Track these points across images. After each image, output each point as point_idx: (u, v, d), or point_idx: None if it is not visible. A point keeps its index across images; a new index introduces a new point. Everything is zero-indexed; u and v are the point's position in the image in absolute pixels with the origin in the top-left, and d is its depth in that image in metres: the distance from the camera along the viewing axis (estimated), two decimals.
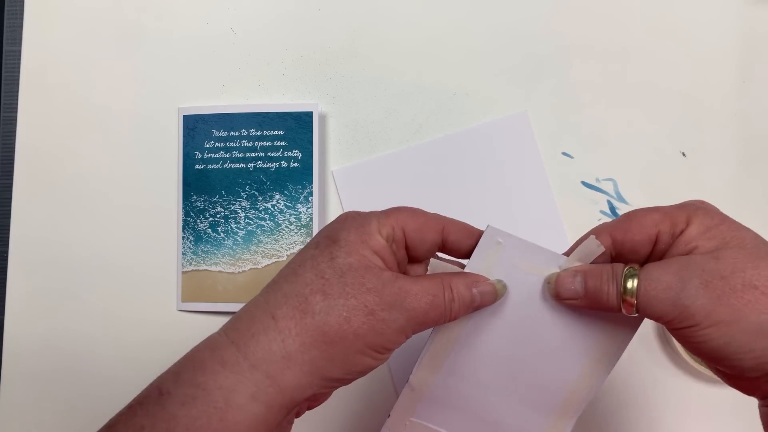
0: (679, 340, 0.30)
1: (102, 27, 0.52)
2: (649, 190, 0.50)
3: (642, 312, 0.29)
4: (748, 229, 0.29)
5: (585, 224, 0.49)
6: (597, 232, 0.32)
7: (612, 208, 0.50)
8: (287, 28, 0.52)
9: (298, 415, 0.31)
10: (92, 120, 0.52)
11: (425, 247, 0.32)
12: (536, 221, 0.50)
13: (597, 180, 0.50)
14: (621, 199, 0.50)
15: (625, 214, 0.32)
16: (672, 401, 0.49)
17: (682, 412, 0.45)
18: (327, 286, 0.29)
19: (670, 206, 0.32)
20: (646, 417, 0.49)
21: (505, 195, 0.50)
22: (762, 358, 0.27)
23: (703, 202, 0.32)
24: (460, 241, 0.32)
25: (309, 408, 0.32)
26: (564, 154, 0.50)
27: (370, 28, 0.51)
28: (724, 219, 0.30)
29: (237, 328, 0.29)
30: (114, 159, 0.51)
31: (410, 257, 0.33)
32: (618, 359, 0.32)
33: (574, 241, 0.33)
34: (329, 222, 0.31)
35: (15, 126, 0.52)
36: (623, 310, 0.30)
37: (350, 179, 0.50)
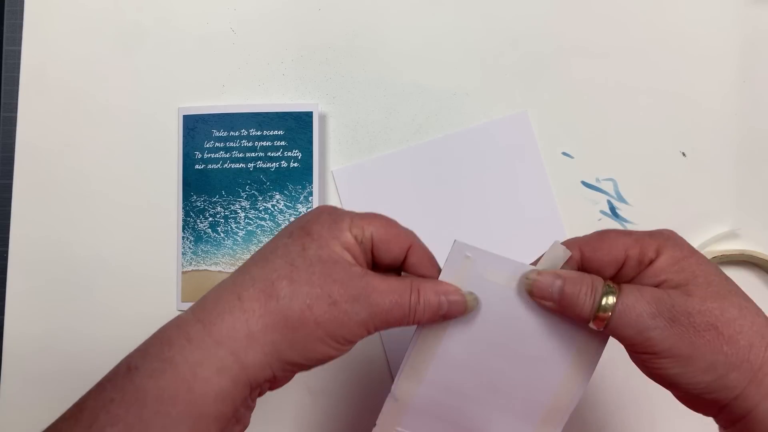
0: (633, 360, 0.32)
1: (102, 27, 0.52)
2: (649, 190, 0.50)
3: (609, 330, 0.30)
4: (713, 264, 0.31)
5: (585, 224, 0.49)
6: (567, 243, 0.33)
7: (612, 208, 0.50)
8: (287, 28, 0.52)
9: (260, 394, 0.31)
10: (92, 120, 0.52)
11: (388, 259, 0.32)
12: (536, 221, 0.50)
13: (597, 180, 0.50)
14: (621, 199, 0.50)
15: (596, 232, 0.33)
16: (672, 401, 0.49)
17: (683, 411, 0.45)
18: (295, 273, 0.29)
19: (641, 232, 0.33)
20: (646, 417, 0.49)
21: (505, 195, 0.50)
22: (704, 390, 0.29)
23: (672, 233, 0.33)
24: (418, 266, 0.33)
25: (270, 389, 0.32)
26: (564, 154, 0.50)
27: (370, 28, 0.52)
28: (693, 252, 0.31)
29: (204, 307, 0.30)
30: (114, 159, 0.51)
31: (375, 264, 0.33)
32: (594, 368, 0.33)
33: (542, 253, 0.33)
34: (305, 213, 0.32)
35: (15, 126, 0.52)
36: (592, 324, 0.31)
37: (350, 179, 0.50)
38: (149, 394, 0.28)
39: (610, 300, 0.30)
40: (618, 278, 0.32)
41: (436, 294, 0.32)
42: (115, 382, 0.29)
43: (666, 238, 0.32)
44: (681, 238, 0.32)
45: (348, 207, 0.50)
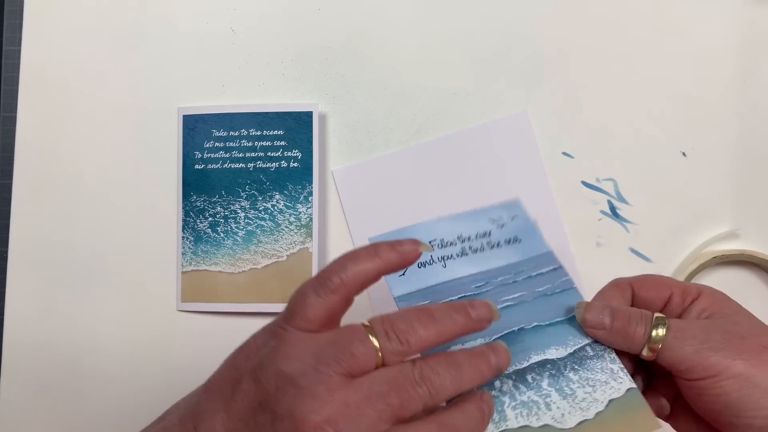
0: (692, 394, 0.31)
1: (102, 27, 0.52)
2: (649, 190, 0.50)
3: (663, 357, 0.31)
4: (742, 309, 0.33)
5: (585, 224, 0.49)
6: (618, 282, 0.35)
7: (612, 208, 0.50)
8: (287, 28, 0.52)
9: None
10: (92, 120, 0.52)
11: None
12: (536, 221, 0.50)
13: (597, 180, 0.50)
14: (621, 199, 0.50)
15: (643, 274, 0.35)
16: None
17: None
18: None
19: (680, 281, 0.35)
20: None
21: (505, 195, 0.50)
22: (742, 413, 0.29)
23: (714, 288, 0.34)
24: None
25: None
26: (564, 154, 0.50)
27: (370, 28, 0.52)
28: (726, 296, 0.33)
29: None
30: (114, 159, 0.52)
31: None
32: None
33: (600, 289, 0.36)
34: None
35: (15, 126, 0.52)
36: (644, 352, 0.31)
37: (350, 179, 0.50)
38: None
39: (661, 332, 0.31)
40: (662, 312, 0.34)
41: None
42: None
43: (705, 286, 0.34)
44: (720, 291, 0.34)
45: (348, 207, 0.50)
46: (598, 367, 0.34)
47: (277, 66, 0.51)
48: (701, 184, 0.50)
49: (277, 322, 0.29)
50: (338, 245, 0.50)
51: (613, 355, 0.34)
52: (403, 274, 0.37)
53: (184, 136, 0.51)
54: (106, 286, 0.51)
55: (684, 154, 0.50)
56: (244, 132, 0.50)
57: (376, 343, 0.27)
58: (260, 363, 0.28)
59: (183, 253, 0.50)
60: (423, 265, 0.38)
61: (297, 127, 0.50)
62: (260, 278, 0.49)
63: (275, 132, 0.50)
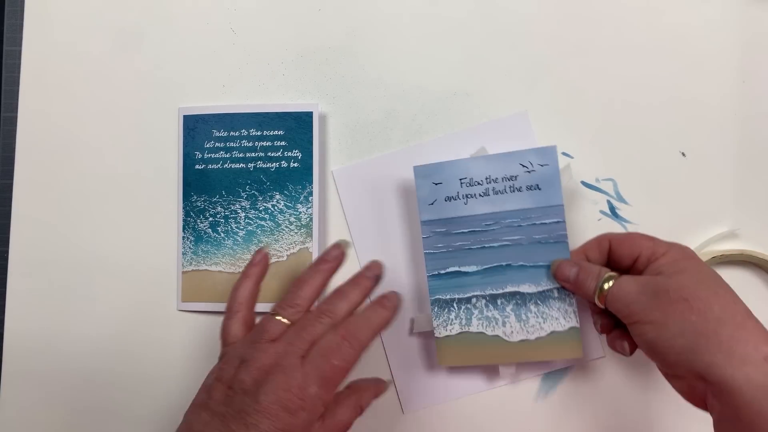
0: (633, 335, 0.39)
1: (102, 27, 0.52)
2: (648, 190, 0.50)
3: (608, 306, 0.40)
4: (711, 270, 0.38)
5: (585, 224, 0.50)
6: (600, 237, 0.44)
7: (612, 208, 0.50)
8: (287, 28, 0.52)
9: None
10: (92, 120, 0.52)
11: None
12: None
13: (597, 180, 0.50)
14: (621, 199, 0.50)
15: (628, 232, 0.43)
16: (674, 401, 0.49)
17: (684, 412, 0.45)
18: None
19: (662, 240, 0.41)
20: (646, 417, 0.49)
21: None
22: (681, 355, 0.35)
23: (688, 248, 0.40)
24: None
25: None
26: (564, 154, 0.50)
27: (370, 28, 0.52)
28: (693, 257, 0.39)
29: None
30: (114, 159, 0.52)
31: None
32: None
33: (586, 242, 0.44)
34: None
35: (15, 126, 0.52)
36: (596, 301, 0.41)
37: (350, 179, 0.50)
38: None
39: (606, 286, 0.40)
40: (633, 270, 0.41)
41: (373, 397, 0.41)
42: None
43: (678, 246, 0.40)
44: (694, 252, 0.40)
45: (348, 207, 0.50)
46: (556, 306, 0.45)
47: (277, 66, 0.51)
48: (701, 184, 0.50)
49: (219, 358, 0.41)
50: None
51: (573, 301, 0.44)
52: (432, 204, 0.46)
53: (184, 136, 0.51)
54: (107, 286, 0.51)
55: (683, 154, 0.50)
56: (244, 132, 0.50)
57: (279, 317, 0.39)
58: (220, 372, 0.38)
59: (183, 253, 0.50)
60: (449, 199, 0.46)
61: (297, 127, 0.50)
62: None
63: (275, 132, 0.50)
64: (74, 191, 0.52)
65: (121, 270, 0.51)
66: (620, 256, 0.42)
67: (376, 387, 0.42)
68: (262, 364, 0.37)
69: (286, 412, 0.35)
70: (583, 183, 0.50)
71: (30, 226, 0.51)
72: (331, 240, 0.50)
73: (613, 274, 0.40)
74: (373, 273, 0.42)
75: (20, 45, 0.52)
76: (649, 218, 0.50)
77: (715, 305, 0.35)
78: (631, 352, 0.41)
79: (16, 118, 0.52)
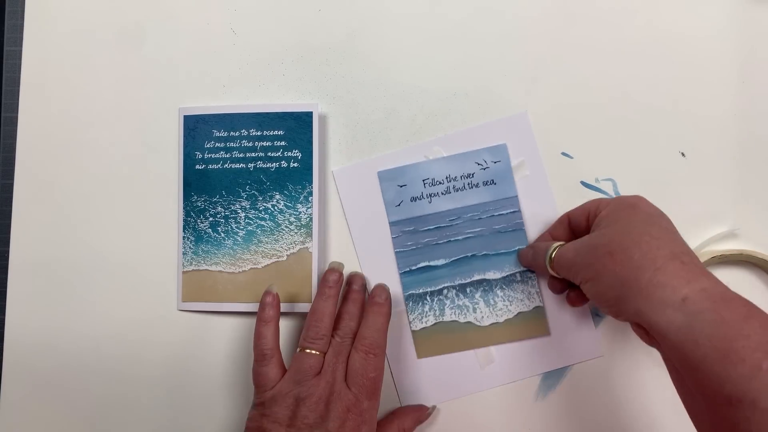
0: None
1: (102, 27, 0.52)
2: (648, 190, 0.49)
3: (557, 273, 0.43)
4: (645, 216, 0.39)
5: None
6: (561, 217, 0.47)
7: None
8: (287, 28, 0.52)
9: None
10: (92, 120, 0.52)
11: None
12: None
13: (596, 180, 0.50)
14: None
15: (583, 203, 0.45)
16: (674, 401, 0.49)
17: (684, 411, 0.45)
18: None
19: (611, 198, 0.46)
20: (646, 417, 0.49)
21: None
22: (615, 306, 0.37)
23: (636, 197, 0.41)
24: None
25: None
26: (564, 154, 0.51)
27: (370, 29, 0.52)
28: (631, 207, 0.40)
29: None
30: (114, 159, 0.52)
31: None
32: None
33: (557, 219, 0.48)
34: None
35: (16, 126, 0.52)
36: (551, 272, 0.44)
37: (350, 179, 0.51)
38: None
39: (554, 253, 0.43)
40: (588, 229, 0.43)
41: (414, 423, 0.48)
42: None
43: (619, 199, 0.42)
44: (637, 200, 0.41)
45: (348, 207, 0.50)
46: (521, 289, 0.49)
47: (277, 66, 0.52)
48: (700, 184, 0.50)
49: (255, 400, 0.44)
50: (338, 245, 0.50)
51: (535, 282, 0.49)
52: (399, 205, 0.50)
53: (185, 136, 0.51)
54: (107, 286, 0.51)
55: (683, 154, 0.50)
56: (244, 132, 0.50)
57: (311, 350, 0.44)
58: (274, 415, 0.42)
59: (184, 253, 0.51)
60: (414, 199, 0.50)
61: (297, 127, 0.50)
62: (261, 278, 0.49)
63: (275, 132, 0.50)
64: (74, 191, 0.52)
65: (122, 270, 0.51)
66: (577, 225, 0.45)
67: (420, 413, 0.48)
68: (318, 397, 0.42)
69: (352, 429, 0.41)
70: (583, 183, 0.50)
71: (30, 226, 0.52)
72: (332, 240, 0.50)
73: (558, 244, 0.43)
74: (359, 285, 0.48)
75: (21, 45, 0.52)
76: None
77: (636, 253, 0.36)
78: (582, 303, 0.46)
79: (16, 118, 0.52)
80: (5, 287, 0.51)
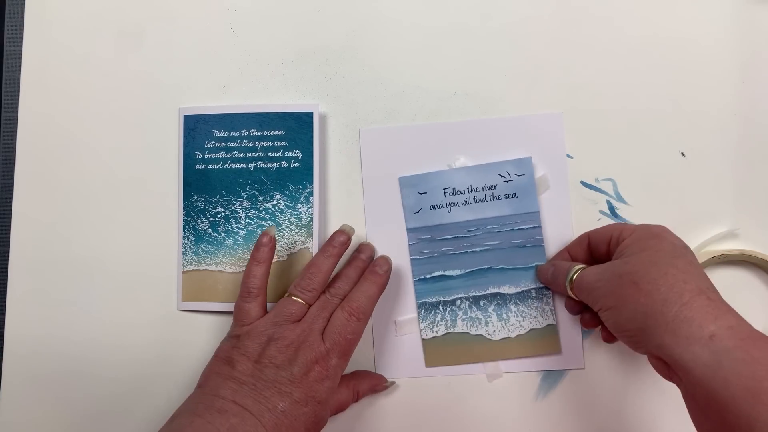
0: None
1: (103, 27, 0.52)
2: (648, 190, 0.50)
3: (576, 296, 0.43)
4: (671, 247, 0.39)
5: (584, 224, 0.50)
6: (580, 236, 0.47)
7: (611, 208, 0.50)
8: (287, 28, 0.52)
9: None
10: (93, 120, 0.52)
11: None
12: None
13: (596, 180, 0.51)
14: (620, 199, 0.50)
15: (606, 225, 0.46)
16: (674, 401, 0.49)
17: (684, 412, 0.45)
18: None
19: (632, 224, 0.47)
20: (647, 416, 0.49)
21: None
22: (636, 337, 0.37)
23: (660, 227, 0.42)
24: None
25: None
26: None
27: (370, 28, 0.52)
28: (657, 237, 0.40)
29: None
30: (114, 159, 0.52)
31: None
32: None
33: (575, 238, 0.48)
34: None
35: (16, 126, 0.52)
36: (570, 294, 0.44)
37: (375, 141, 0.51)
38: None
39: (575, 276, 0.43)
40: (608, 257, 0.43)
41: (370, 389, 0.48)
42: None
43: (644, 227, 0.42)
44: (661, 230, 0.41)
45: (367, 167, 0.51)
46: (535, 305, 0.49)
47: (277, 66, 0.52)
48: (700, 184, 0.50)
49: (231, 332, 0.45)
50: None
51: (550, 300, 0.49)
52: (418, 212, 0.50)
53: (185, 136, 0.51)
54: (107, 286, 0.51)
55: (683, 154, 0.51)
56: (244, 132, 0.51)
57: (297, 299, 0.44)
58: (244, 348, 0.43)
59: (184, 253, 0.51)
60: (434, 207, 0.50)
61: (298, 127, 0.50)
62: None
63: (276, 132, 0.50)
64: (74, 191, 0.52)
65: (122, 270, 0.51)
66: (596, 247, 0.45)
67: (376, 381, 0.48)
68: (290, 341, 0.42)
69: (315, 381, 0.41)
70: (583, 183, 0.51)
71: (30, 226, 0.52)
72: None
73: (581, 266, 0.43)
74: (367, 255, 0.48)
75: (21, 45, 0.52)
76: (649, 218, 0.50)
77: (662, 286, 0.36)
78: (606, 339, 0.45)
79: (16, 118, 0.52)
80: (5, 287, 0.51)
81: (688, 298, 0.35)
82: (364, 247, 0.49)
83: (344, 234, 0.47)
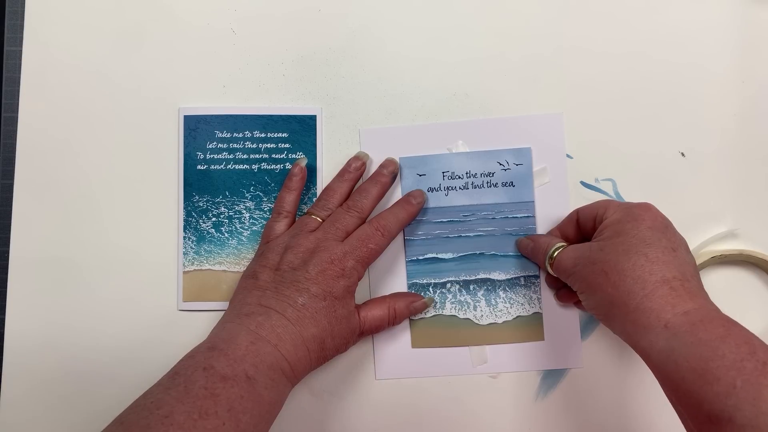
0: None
1: (103, 27, 0.53)
2: (648, 190, 0.51)
3: (555, 272, 0.46)
4: (647, 233, 0.40)
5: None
6: (570, 213, 0.49)
7: None
8: (287, 28, 0.53)
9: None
10: (93, 120, 0.52)
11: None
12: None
13: (596, 180, 0.51)
14: (620, 199, 0.51)
15: (594, 201, 0.47)
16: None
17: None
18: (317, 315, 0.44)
19: (618, 201, 0.48)
20: (646, 416, 0.50)
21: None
22: (604, 322, 0.41)
23: (646, 204, 0.43)
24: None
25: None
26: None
27: (370, 29, 0.53)
28: (636, 220, 0.41)
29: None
30: (114, 159, 0.52)
31: None
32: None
33: (563, 218, 0.50)
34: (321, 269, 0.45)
35: (16, 126, 0.52)
36: (549, 270, 0.46)
37: (375, 142, 0.52)
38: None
39: (555, 254, 0.45)
40: (594, 231, 0.44)
41: (407, 307, 0.49)
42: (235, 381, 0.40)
43: (626, 207, 0.43)
44: (642, 211, 0.42)
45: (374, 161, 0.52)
46: (523, 293, 0.51)
47: (277, 67, 0.53)
48: (700, 184, 0.51)
49: (257, 252, 0.49)
50: None
51: (538, 288, 0.51)
52: None
53: (185, 136, 0.52)
54: (107, 286, 0.52)
55: (683, 154, 0.51)
56: (248, 134, 0.52)
57: (314, 216, 0.48)
58: (264, 260, 0.46)
59: (185, 253, 0.52)
60: (432, 190, 0.51)
61: (301, 130, 0.52)
62: None
63: (280, 134, 0.52)
64: (74, 191, 0.52)
65: (122, 270, 0.52)
66: (584, 224, 0.47)
67: (412, 298, 0.50)
68: (306, 248, 0.45)
69: (330, 278, 0.44)
70: (583, 183, 0.51)
71: (30, 225, 0.52)
72: None
73: (561, 244, 0.46)
74: (389, 170, 0.50)
75: (21, 45, 0.53)
76: None
77: (629, 277, 0.39)
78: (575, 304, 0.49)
79: (16, 118, 0.52)
80: (5, 287, 0.51)
81: (651, 289, 0.38)
82: (387, 163, 0.50)
83: (359, 160, 0.50)
